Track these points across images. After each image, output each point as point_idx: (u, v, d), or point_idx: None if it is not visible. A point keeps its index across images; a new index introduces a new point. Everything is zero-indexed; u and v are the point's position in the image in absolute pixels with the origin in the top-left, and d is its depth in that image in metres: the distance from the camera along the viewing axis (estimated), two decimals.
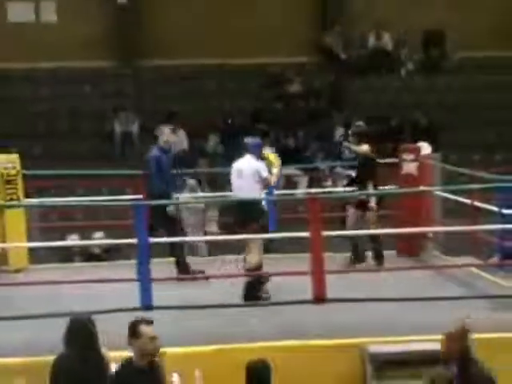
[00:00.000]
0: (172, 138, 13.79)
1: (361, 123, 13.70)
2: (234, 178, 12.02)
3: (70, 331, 7.69)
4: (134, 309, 9.77)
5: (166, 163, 12.92)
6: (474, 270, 12.77)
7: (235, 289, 11.40)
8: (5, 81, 24.85)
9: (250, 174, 11.80)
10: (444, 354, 7.72)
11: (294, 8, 26.02)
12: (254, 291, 11.43)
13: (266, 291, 11.47)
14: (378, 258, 13.11)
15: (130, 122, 22.27)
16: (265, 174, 11.86)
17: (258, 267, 11.66)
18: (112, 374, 7.38)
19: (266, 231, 11.89)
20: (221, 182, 19.18)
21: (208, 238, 17.33)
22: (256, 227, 11.63)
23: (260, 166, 11.97)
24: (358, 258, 13.05)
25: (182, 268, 12.55)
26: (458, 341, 7.67)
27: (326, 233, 10.88)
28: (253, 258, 11.66)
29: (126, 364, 7.34)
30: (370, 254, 13.27)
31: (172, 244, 12.63)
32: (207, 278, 12.26)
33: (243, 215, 11.73)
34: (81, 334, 7.68)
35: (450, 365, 7.58)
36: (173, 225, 12.56)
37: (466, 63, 25.75)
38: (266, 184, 12.02)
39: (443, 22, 25.82)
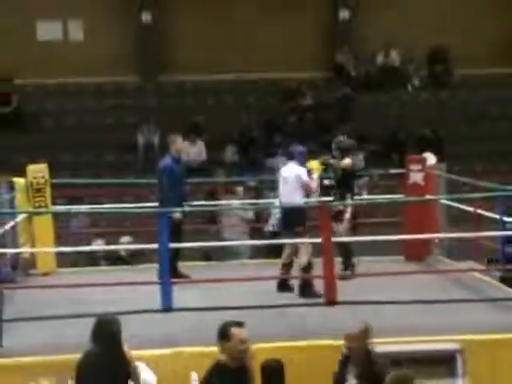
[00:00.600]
0: (183, 146, 13.55)
1: (343, 138, 13.58)
2: (280, 185, 12.17)
3: (97, 330, 7.80)
4: (155, 310, 9.75)
5: (178, 172, 12.81)
6: (476, 274, 12.75)
7: (251, 292, 11.41)
8: (35, 96, 24.94)
9: (293, 179, 11.93)
10: (346, 354, 7.98)
11: (307, 28, 26.03)
12: (310, 289, 11.50)
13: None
14: (347, 267, 12.79)
15: (152, 133, 22.27)
16: (305, 178, 11.97)
17: (309, 267, 11.73)
18: (206, 375, 7.27)
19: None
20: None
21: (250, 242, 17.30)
22: (302, 230, 11.75)
23: (301, 170, 12.09)
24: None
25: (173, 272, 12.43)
26: (359, 341, 7.89)
27: (335, 239, 10.87)
28: (302, 258, 11.74)
29: (218, 366, 7.23)
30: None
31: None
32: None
33: (288, 220, 11.89)
34: (106, 332, 7.78)
35: (352, 364, 7.66)
36: (176, 231, 12.20)
37: (468, 79, 25.73)
38: (308, 189, 12.09)
39: (446, 41, 25.80)
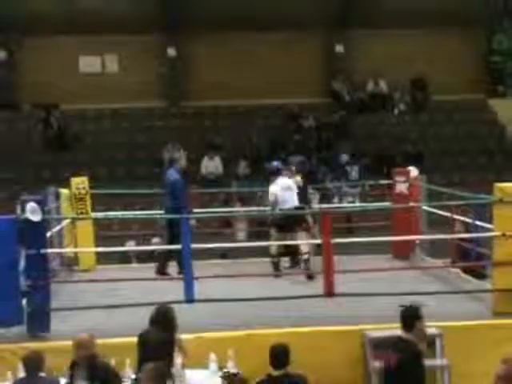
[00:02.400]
0: (184, 162, 13.39)
1: (300, 158, 13.63)
2: (283, 192, 12.32)
3: (156, 315, 8.39)
4: (179, 301, 9.73)
5: (183, 184, 12.78)
6: (452, 269, 12.73)
7: (260, 285, 11.39)
8: (77, 119, 25.00)
9: (295, 186, 12.19)
10: (74, 360, 7.87)
11: (308, 60, 26.11)
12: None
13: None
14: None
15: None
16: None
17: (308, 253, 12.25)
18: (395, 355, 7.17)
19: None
20: (248, 198, 19.30)
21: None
22: (304, 226, 12.33)
23: (297, 182, 12.59)
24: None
25: (162, 269, 12.48)
26: (85, 349, 7.78)
27: (334, 240, 10.83)
28: (305, 247, 12.22)
29: (407, 346, 7.19)
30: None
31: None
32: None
33: (295, 218, 12.24)
34: (164, 317, 8.37)
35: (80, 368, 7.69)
36: (177, 234, 11.82)
37: (444, 104, 25.85)
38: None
39: (425, 72, 25.97)
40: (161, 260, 12.74)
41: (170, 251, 12.29)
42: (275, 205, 12.56)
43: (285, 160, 21.16)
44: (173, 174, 12.86)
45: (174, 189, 12.64)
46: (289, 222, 12.29)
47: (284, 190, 12.35)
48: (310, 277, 11.97)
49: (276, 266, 12.68)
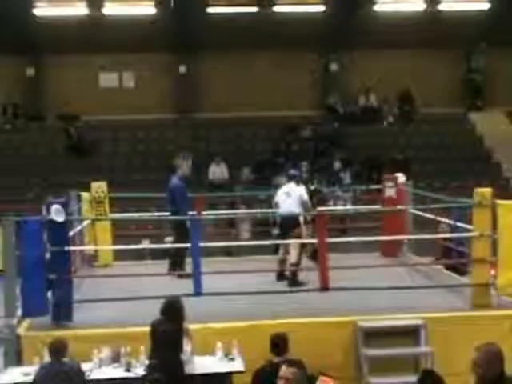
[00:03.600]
0: (187, 169, 12.94)
1: (294, 171, 13.36)
2: (282, 198, 12.04)
3: (166, 307, 8.42)
4: (189, 294, 9.74)
5: (183, 189, 12.51)
6: (435, 266, 12.73)
7: (262, 280, 11.39)
8: (96, 129, 25.04)
9: (297, 195, 11.91)
10: None
11: (306, 77, 26.14)
12: (296, 279, 11.50)
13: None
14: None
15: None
16: (305, 197, 11.98)
17: (298, 263, 11.75)
18: None
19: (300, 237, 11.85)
20: (251, 202, 19.31)
21: (242, 242, 17.25)
22: (295, 234, 11.72)
23: (302, 191, 12.08)
24: None
25: (179, 266, 12.13)
26: None
27: (329, 240, 10.84)
28: (293, 256, 11.74)
29: None
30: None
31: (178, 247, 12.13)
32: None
33: (287, 225, 11.84)
34: (173, 308, 8.43)
35: None
36: (185, 234, 11.65)
37: (429, 116, 25.83)
38: (306, 205, 12.00)
39: (412, 87, 26.00)
40: (178, 259, 12.40)
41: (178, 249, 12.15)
42: (275, 207, 12.42)
43: (283, 166, 21.52)
44: (174, 181, 12.69)
45: (173, 194, 12.45)
46: (283, 226, 12.05)
47: (284, 194, 12.23)
48: (300, 283, 11.49)
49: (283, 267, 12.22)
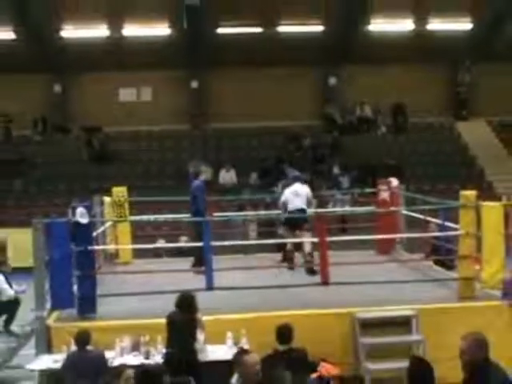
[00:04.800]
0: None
1: (297, 173, 13.36)
2: (292, 197, 12.11)
3: (180, 300, 8.42)
4: (201, 289, 9.75)
5: (202, 190, 12.52)
6: (425, 262, 12.74)
7: (268, 276, 11.38)
8: (116, 140, 25.09)
9: (304, 194, 12.12)
10: None
11: (307, 91, 26.18)
12: (313, 269, 11.47)
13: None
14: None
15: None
16: (311, 195, 12.37)
17: (312, 252, 11.83)
18: None
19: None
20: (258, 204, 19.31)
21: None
22: (308, 227, 11.96)
23: (308, 190, 12.32)
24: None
25: (199, 262, 11.86)
26: None
27: (328, 238, 10.85)
28: (308, 247, 11.92)
29: None
30: None
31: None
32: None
33: (296, 221, 11.93)
34: (186, 301, 8.41)
35: None
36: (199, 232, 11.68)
37: (418, 125, 25.91)
38: (311, 202, 12.40)
39: (403, 99, 26.01)
40: (197, 255, 12.27)
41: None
42: (285, 205, 12.32)
43: (284, 172, 21.49)
44: (196, 183, 12.73)
45: (195, 194, 12.48)
46: (293, 221, 12.05)
47: (292, 194, 12.25)
48: (313, 271, 11.58)
49: (291, 260, 12.38)
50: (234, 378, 6.06)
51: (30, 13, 23.11)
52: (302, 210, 12.07)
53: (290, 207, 12.15)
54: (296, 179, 12.49)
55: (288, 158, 23.88)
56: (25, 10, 22.93)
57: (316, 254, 11.38)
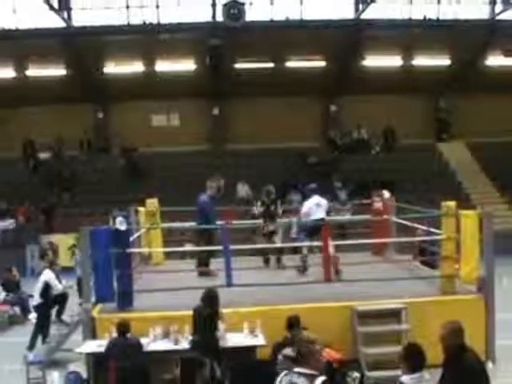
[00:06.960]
0: (214, 190, 12.52)
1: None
2: (315, 208, 11.65)
3: (205, 295, 8.34)
4: (222, 285, 9.75)
5: (209, 205, 12.09)
6: (413, 262, 12.69)
7: (279, 275, 11.37)
8: (149, 158, 25.16)
9: (324, 205, 11.73)
10: None
11: (311, 116, 26.18)
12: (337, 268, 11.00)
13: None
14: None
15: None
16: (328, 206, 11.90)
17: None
18: None
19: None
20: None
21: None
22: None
23: (326, 201, 11.89)
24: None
25: (204, 264, 11.79)
26: None
27: (331, 242, 10.85)
28: (331, 249, 11.24)
29: None
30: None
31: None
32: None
33: (318, 229, 11.29)
34: (209, 296, 8.32)
35: None
36: (211, 239, 11.74)
37: (406, 146, 25.66)
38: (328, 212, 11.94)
39: (393, 123, 25.99)
40: (203, 258, 12.10)
41: (203, 251, 11.77)
42: (307, 216, 11.70)
43: (295, 186, 21.47)
44: (201, 198, 12.20)
45: (201, 208, 12.08)
46: (317, 229, 11.37)
47: (315, 205, 11.74)
48: (337, 272, 10.95)
49: (304, 263, 11.87)
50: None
51: (78, 53, 23.42)
52: (323, 220, 11.54)
53: (314, 217, 11.62)
54: (314, 191, 12.02)
55: (296, 174, 23.82)
56: (74, 51, 23.26)
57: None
